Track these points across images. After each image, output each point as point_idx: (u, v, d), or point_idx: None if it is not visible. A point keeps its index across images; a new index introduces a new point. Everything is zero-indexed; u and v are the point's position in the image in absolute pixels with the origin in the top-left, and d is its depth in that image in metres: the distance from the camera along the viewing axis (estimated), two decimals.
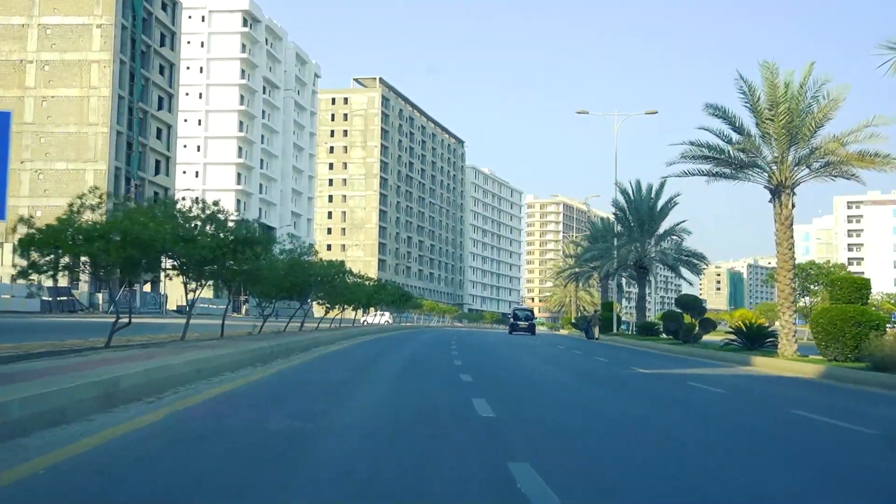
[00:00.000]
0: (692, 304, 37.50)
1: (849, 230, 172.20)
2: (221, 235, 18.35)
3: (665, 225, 43.40)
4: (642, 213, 42.64)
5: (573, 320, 72.52)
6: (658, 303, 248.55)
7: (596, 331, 51.72)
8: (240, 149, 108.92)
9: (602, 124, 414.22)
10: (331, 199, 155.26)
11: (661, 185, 42.92)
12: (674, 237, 43.60)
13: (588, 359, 25.71)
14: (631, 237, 44.03)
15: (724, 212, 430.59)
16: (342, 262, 37.10)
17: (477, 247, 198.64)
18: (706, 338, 35.24)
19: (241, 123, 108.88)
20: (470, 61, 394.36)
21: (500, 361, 22.56)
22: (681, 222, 43.32)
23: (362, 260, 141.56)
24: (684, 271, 46.03)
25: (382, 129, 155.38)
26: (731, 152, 24.97)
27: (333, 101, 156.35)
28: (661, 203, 43.14)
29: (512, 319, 65.24)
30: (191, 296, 20.18)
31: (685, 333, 32.54)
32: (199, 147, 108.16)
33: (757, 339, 25.96)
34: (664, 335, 40.44)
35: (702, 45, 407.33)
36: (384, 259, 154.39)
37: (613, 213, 43.94)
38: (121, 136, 78.45)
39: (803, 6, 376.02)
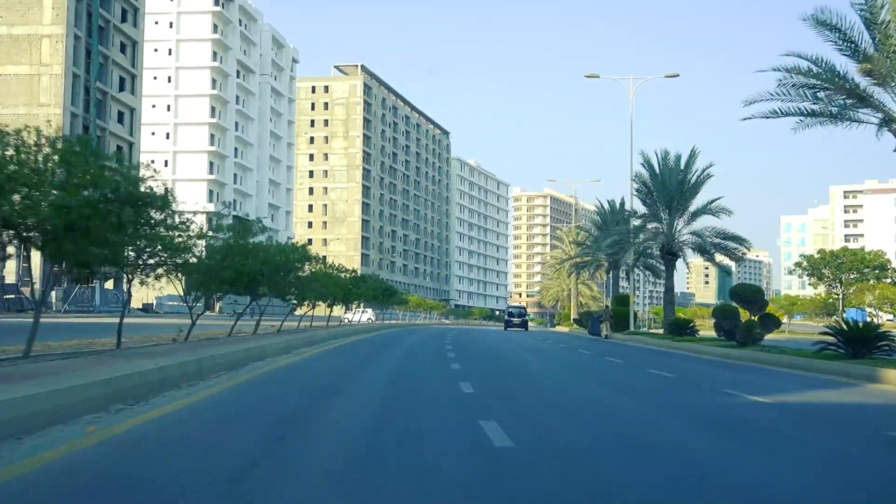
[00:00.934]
0: (751, 297, 30.06)
1: (846, 220, 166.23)
2: (87, 189, 11.04)
3: (697, 202, 36.32)
4: (670, 187, 35.12)
5: (575, 316, 65.37)
6: (647, 298, 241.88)
7: (606, 328, 44.79)
8: (212, 136, 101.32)
9: (596, 109, 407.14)
10: (311, 191, 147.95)
11: (693, 155, 35.39)
12: (709, 215, 36.07)
13: (639, 373, 18.69)
14: (656, 217, 36.73)
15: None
16: (304, 248, 29.88)
17: (463, 241, 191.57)
18: (768, 337, 28.13)
19: (213, 109, 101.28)
20: (455, 50, 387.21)
21: (533, 381, 15.50)
22: (716, 199, 35.85)
23: (345, 255, 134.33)
24: (716, 259, 38.98)
25: (365, 118, 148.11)
26: (850, 79, 17.75)
27: (313, 89, 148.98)
28: (692, 176, 35.72)
29: (507, 317, 71.42)
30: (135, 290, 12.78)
31: (744, 333, 25.46)
32: (168, 134, 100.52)
33: (865, 342, 18.94)
34: (698, 334, 33.51)
35: (698, 39, 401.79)
36: (367, 253, 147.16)
37: (635, 189, 36.64)
38: (76, 119, 70.83)
39: None
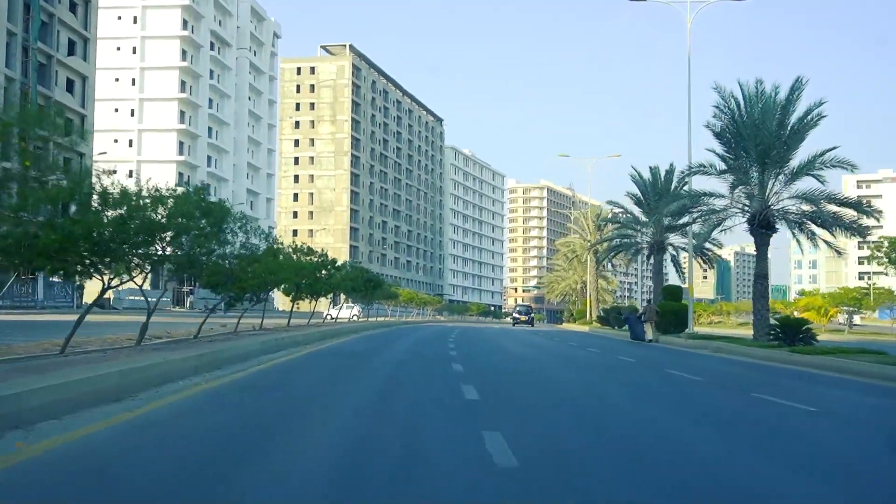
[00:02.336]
0: None
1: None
2: None
3: (799, 155, 25.47)
4: (765, 133, 24.10)
5: (600, 313, 54.49)
6: (645, 291, 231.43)
7: (650, 330, 34.25)
8: (182, 113, 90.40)
9: (597, 101, 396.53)
10: (296, 179, 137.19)
11: (797, 86, 24.22)
12: (807, 178, 25.05)
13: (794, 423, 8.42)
14: (741, 176, 25.62)
15: None
16: (243, 216, 19.42)
17: (457, 233, 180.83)
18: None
19: (182, 83, 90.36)
20: (448, 34, 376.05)
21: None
22: (830, 149, 24.73)
23: (332, 246, 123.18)
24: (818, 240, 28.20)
25: (353, 101, 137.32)
26: None
27: (299, 70, 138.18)
28: (793, 118, 24.68)
29: (515, 314, 76.73)
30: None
31: None
32: (132, 111, 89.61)
33: None
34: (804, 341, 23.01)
35: None
36: (356, 245, 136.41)
37: (714, 135, 25.55)
38: (11, 84, 59.88)
39: None
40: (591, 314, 59.61)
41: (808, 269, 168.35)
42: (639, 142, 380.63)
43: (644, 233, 40.71)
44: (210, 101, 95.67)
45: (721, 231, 27.49)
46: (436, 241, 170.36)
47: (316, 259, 30.73)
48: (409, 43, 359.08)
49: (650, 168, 39.45)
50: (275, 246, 29.40)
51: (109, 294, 76.91)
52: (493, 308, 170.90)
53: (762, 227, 26.03)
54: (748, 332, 33.01)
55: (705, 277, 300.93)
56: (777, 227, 26.72)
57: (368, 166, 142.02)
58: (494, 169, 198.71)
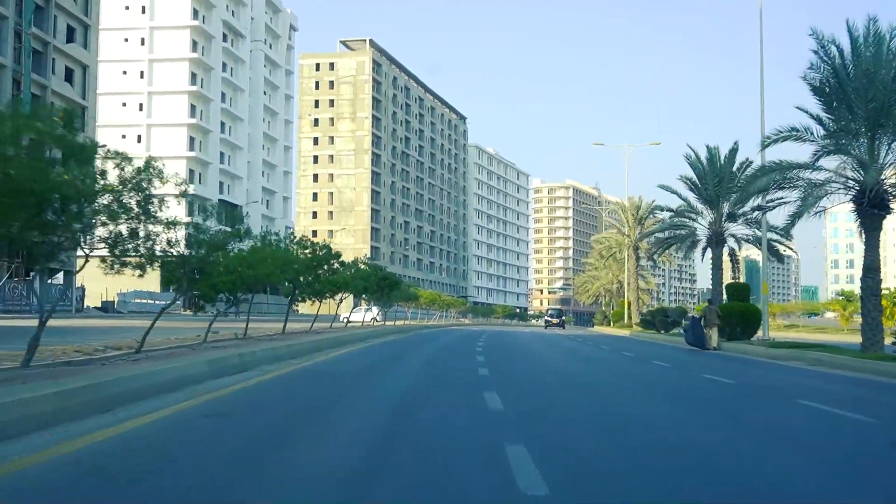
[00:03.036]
0: None
1: None
2: None
3: None
4: (879, 86, 18.13)
5: (643, 315, 48.29)
6: (672, 294, 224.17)
7: (713, 336, 28.56)
8: (192, 107, 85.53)
9: (620, 101, 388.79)
10: (316, 178, 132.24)
11: None
12: None
13: None
14: (841, 145, 19.99)
15: None
16: (151, 165, 13.95)
17: (481, 234, 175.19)
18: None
19: (193, 76, 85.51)
20: (471, 31, 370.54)
21: None
22: None
23: (352, 247, 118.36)
24: None
25: (374, 98, 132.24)
26: None
27: (318, 66, 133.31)
28: None
29: (547, 318, 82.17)
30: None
31: None
32: (141, 105, 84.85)
33: None
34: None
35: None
36: (377, 246, 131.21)
37: (812, 90, 19.82)
38: (3, 70, 55.36)
39: None
40: (630, 316, 53.56)
41: (844, 268, 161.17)
42: (673, 135, 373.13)
43: (699, 223, 34.90)
44: (223, 95, 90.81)
45: (815, 214, 21.55)
46: (459, 242, 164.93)
47: (315, 252, 25.31)
48: (430, 38, 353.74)
49: (708, 148, 33.47)
50: (268, 237, 24.13)
51: (114, 297, 72.19)
52: (518, 310, 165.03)
53: (873, 206, 20.23)
54: (835, 337, 27.19)
55: (734, 276, 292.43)
56: (893, 206, 20.87)
57: (390, 165, 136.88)
58: (519, 168, 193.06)
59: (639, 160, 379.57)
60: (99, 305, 70.46)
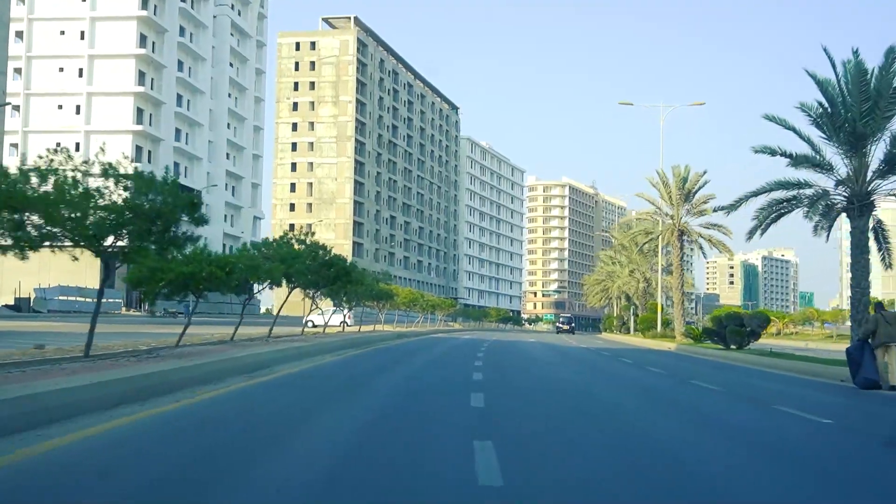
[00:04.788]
0: None
1: None
2: None
3: None
4: None
5: (709, 325, 34.13)
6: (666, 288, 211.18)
7: (894, 364, 15.78)
8: (141, 74, 72.54)
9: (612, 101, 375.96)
10: (294, 167, 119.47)
11: None
12: None
13: None
14: None
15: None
16: None
17: (473, 231, 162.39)
18: None
19: (142, 37, 72.52)
20: (464, 18, 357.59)
21: None
22: None
23: (333, 242, 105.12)
24: None
25: (359, 81, 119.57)
26: None
27: (297, 46, 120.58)
28: None
29: (558, 324, 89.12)
30: None
31: None
32: (80, 70, 71.82)
33: None
34: None
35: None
36: (360, 242, 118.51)
37: None
38: None
39: None
40: (662, 324, 40.43)
41: (846, 257, 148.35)
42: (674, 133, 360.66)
43: (824, 183, 21.99)
44: (179, 63, 77.86)
45: None
46: (450, 241, 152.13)
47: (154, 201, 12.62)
48: (420, 23, 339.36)
49: (853, 51, 20.22)
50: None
51: (30, 294, 59.08)
52: (512, 313, 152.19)
53: None
54: None
55: (731, 283, 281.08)
56: None
57: (375, 154, 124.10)
58: (513, 164, 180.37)
59: (641, 160, 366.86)
60: (10, 304, 57.48)
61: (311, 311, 48.53)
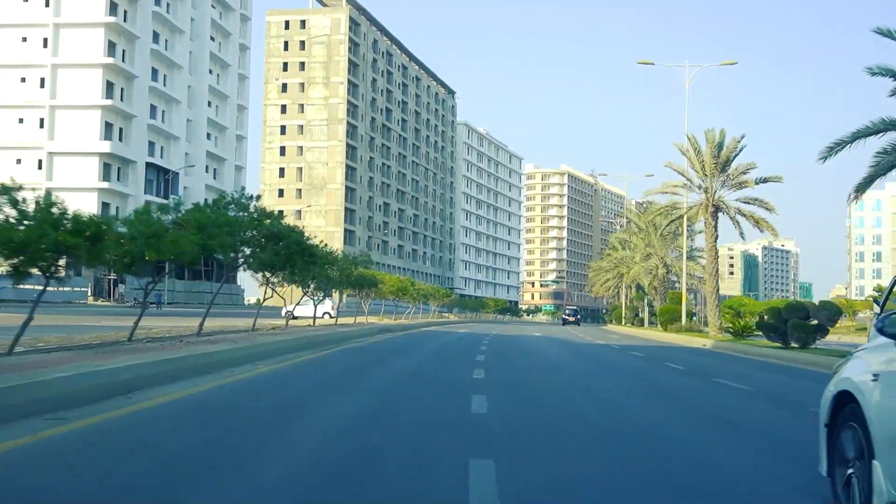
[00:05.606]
0: None
1: None
2: None
3: None
4: None
5: (764, 318, 27.83)
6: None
7: None
8: (111, 44, 66.49)
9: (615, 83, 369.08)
10: (283, 151, 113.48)
11: None
12: None
13: None
14: None
15: None
16: None
17: (470, 220, 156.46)
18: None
19: (112, 5, 66.39)
20: (461, 2, 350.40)
21: None
22: None
23: (323, 230, 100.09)
24: None
25: (351, 61, 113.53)
26: None
27: (287, 24, 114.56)
28: None
29: (564, 316, 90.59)
30: None
31: None
32: (45, 40, 65.75)
33: None
34: None
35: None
36: (352, 230, 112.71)
37: None
38: None
39: None
40: (710, 316, 34.54)
41: (871, 261, 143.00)
42: (675, 129, 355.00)
43: None
44: (155, 35, 71.77)
45: None
46: (446, 229, 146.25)
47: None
48: (416, 5, 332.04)
49: None
50: None
51: None
52: (510, 304, 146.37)
53: None
54: None
55: (731, 273, 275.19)
56: None
57: (368, 138, 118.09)
58: (511, 151, 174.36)
59: (643, 149, 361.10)
60: None
61: (299, 301, 43.03)
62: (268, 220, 19.15)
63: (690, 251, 42.61)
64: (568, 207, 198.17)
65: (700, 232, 42.43)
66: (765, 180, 34.16)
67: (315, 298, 46.40)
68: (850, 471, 4.44)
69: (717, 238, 35.63)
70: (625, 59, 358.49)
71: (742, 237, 35.95)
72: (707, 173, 34.91)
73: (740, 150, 34.42)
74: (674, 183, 37.54)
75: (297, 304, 52.47)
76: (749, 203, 35.38)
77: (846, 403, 4.53)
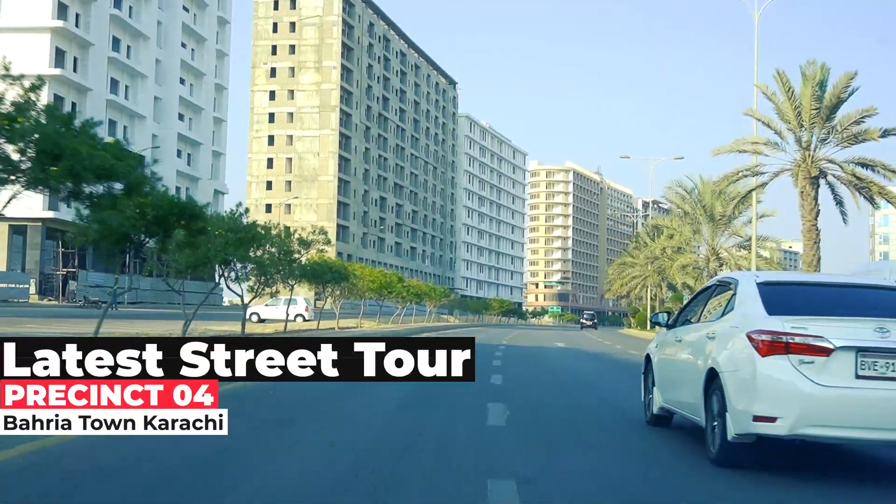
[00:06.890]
0: None
1: None
2: None
3: None
4: None
5: None
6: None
7: None
8: (61, 6, 57.37)
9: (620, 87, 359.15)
10: (272, 140, 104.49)
11: None
12: None
13: None
14: None
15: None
16: None
17: (472, 217, 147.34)
18: None
19: None
20: None
21: None
22: None
23: (315, 225, 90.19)
24: None
25: (345, 44, 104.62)
26: None
27: (276, 4, 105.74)
28: None
29: (581, 320, 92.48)
30: None
31: None
32: None
33: None
34: None
35: None
36: (346, 225, 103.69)
37: None
38: None
39: None
40: None
41: (879, 244, 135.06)
42: (678, 124, 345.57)
43: None
44: None
45: None
46: (446, 226, 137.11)
47: None
48: None
49: None
50: None
51: None
52: (514, 305, 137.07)
53: None
54: None
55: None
56: None
57: (363, 128, 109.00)
58: (515, 146, 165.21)
59: (649, 149, 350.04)
60: None
61: (253, 297, 33.53)
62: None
63: (747, 240, 33.29)
64: (573, 206, 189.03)
65: (762, 217, 32.92)
66: (887, 133, 24.53)
67: (289, 298, 37.48)
68: (650, 395, 8.85)
69: (818, 213, 25.95)
70: (631, 57, 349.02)
71: (859, 209, 26.49)
72: (804, 123, 25.23)
73: (853, 92, 24.79)
74: (751, 139, 27.74)
75: (266, 304, 43.66)
76: (866, 166, 25.62)
77: (648, 360, 9.13)
